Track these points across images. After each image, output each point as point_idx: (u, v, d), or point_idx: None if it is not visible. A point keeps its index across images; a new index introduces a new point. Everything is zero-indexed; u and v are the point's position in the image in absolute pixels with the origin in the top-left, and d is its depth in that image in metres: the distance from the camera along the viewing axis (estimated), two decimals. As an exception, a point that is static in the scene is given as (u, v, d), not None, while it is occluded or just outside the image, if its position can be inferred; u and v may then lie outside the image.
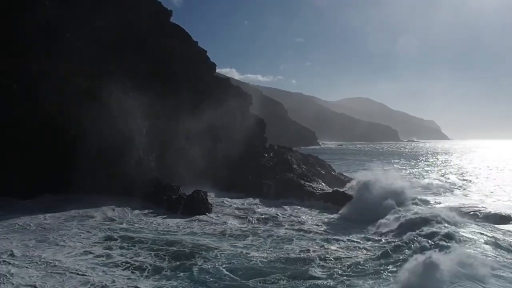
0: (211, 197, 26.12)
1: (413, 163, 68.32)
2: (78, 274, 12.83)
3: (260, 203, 26.21)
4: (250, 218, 21.68)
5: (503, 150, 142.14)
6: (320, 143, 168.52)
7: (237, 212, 23.53)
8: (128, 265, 13.79)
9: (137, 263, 13.93)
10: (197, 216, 21.74)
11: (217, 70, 43.86)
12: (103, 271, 13.16)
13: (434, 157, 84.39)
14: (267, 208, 24.76)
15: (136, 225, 19.73)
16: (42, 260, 14.02)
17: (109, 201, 23.98)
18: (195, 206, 22.80)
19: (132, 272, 13.21)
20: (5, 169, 24.54)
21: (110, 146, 25.60)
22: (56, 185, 25.64)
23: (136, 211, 22.71)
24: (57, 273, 12.93)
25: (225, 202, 26.47)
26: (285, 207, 25.18)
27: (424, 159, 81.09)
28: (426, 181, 39.51)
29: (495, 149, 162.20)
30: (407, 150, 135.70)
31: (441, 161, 72.02)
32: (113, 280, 12.48)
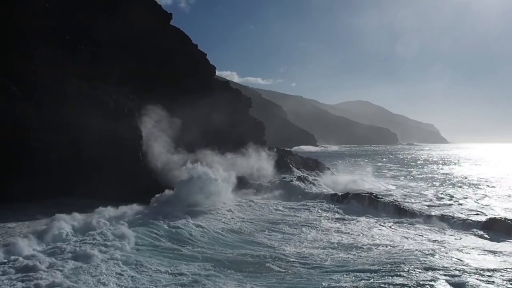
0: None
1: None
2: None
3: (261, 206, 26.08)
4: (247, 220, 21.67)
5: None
6: (319, 146, 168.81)
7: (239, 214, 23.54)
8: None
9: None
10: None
11: (218, 73, 44.06)
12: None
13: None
14: (265, 209, 24.86)
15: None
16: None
17: (105, 203, 23.71)
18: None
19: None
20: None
21: (109, 148, 25.52)
22: (51, 189, 25.46)
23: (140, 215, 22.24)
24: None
25: (224, 205, 26.41)
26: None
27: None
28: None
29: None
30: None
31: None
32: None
